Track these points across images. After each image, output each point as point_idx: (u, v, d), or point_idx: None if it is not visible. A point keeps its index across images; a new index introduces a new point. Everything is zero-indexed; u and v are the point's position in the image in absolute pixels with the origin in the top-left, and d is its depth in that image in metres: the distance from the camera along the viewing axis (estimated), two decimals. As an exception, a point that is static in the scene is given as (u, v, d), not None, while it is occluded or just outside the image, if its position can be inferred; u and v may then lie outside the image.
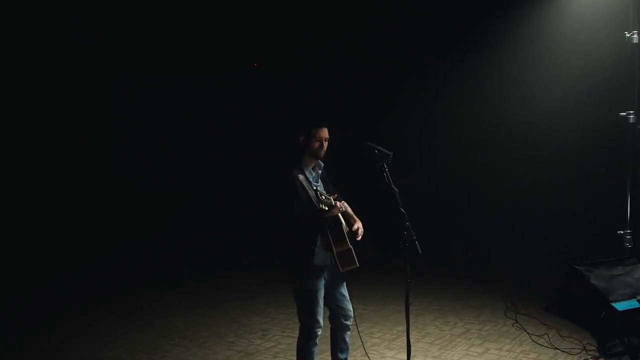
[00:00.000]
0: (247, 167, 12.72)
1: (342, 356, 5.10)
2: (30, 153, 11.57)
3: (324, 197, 4.60)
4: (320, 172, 4.98)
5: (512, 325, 7.04)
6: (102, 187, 12.31)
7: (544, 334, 6.59)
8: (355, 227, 4.97)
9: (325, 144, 4.85)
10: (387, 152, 4.95)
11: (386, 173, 4.89)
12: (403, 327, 6.98)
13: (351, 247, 4.81)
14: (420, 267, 5.00)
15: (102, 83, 12.06)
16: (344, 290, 5.03)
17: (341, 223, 4.89)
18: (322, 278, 4.82)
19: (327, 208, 4.58)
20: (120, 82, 12.13)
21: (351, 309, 5.05)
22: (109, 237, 11.86)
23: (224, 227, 12.53)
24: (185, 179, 12.98)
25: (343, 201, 5.05)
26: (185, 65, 12.51)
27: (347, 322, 5.04)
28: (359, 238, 4.95)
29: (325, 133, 4.85)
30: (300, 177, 4.67)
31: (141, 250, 11.79)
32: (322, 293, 4.82)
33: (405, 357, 5.03)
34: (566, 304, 6.64)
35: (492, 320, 7.31)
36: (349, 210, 5.08)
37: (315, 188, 4.67)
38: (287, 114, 11.69)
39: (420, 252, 4.74)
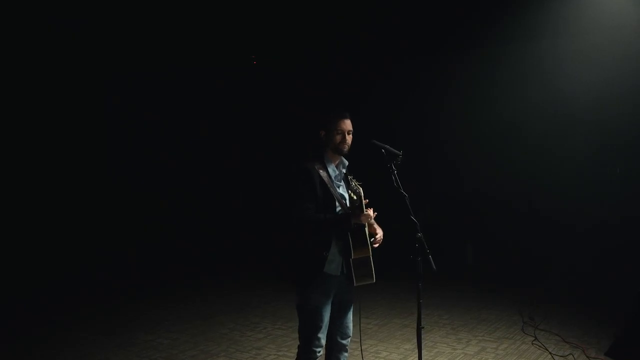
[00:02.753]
0: (246, 168, 12.19)
1: None
2: (27, 154, 10.88)
3: (354, 184, 3.93)
4: (343, 171, 4.23)
5: (532, 343, 6.12)
6: (96, 191, 11.56)
7: (568, 355, 5.69)
8: (376, 232, 4.19)
9: (349, 137, 4.14)
10: (396, 151, 4.15)
11: (394, 176, 4.09)
12: (411, 345, 6.17)
13: (370, 255, 4.03)
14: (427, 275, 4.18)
15: (100, 83, 11.38)
16: (350, 308, 4.26)
17: (365, 226, 4.05)
18: (331, 290, 4.05)
19: (355, 197, 3.90)
20: (120, 82, 11.43)
21: (351, 327, 4.26)
22: (102, 241, 11.11)
23: (218, 229, 11.74)
24: (181, 181, 12.24)
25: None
26: (185, 65, 11.77)
27: (344, 342, 4.25)
28: (376, 245, 4.16)
29: (347, 125, 4.15)
30: (322, 172, 4.00)
31: (132, 254, 11.03)
32: (328, 308, 4.07)
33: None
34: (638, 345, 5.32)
35: (509, 337, 6.39)
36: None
37: (355, 186, 3.98)
38: (303, 111, 10.94)
39: (434, 268, 3.94)
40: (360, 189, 3.99)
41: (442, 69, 10.45)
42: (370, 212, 3.99)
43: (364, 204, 3.96)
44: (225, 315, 7.59)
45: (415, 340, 6.16)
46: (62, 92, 11.08)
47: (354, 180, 4.05)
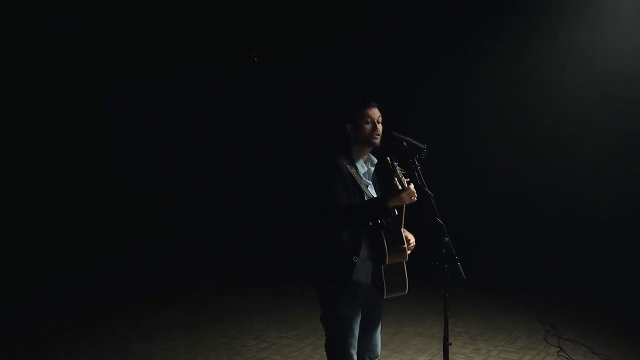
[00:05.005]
0: (246, 168, 11.44)
1: None
2: (27, 154, 10.20)
3: (399, 172, 3.16)
4: (372, 169, 3.49)
5: (557, 355, 5.28)
6: (96, 191, 10.82)
7: (598, 368, 4.91)
8: (409, 237, 3.40)
9: (380, 126, 3.40)
10: (420, 144, 3.36)
11: (418, 172, 3.28)
12: (426, 357, 5.29)
13: (405, 263, 3.31)
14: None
15: (100, 83, 10.62)
16: (379, 325, 3.53)
17: (401, 222, 3.30)
18: (360, 301, 3.31)
19: (400, 188, 3.14)
20: (120, 82, 10.67)
21: (379, 345, 3.55)
22: (102, 241, 10.30)
23: (218, 229, 10.94)
24: (181, 181, 11.45)
25: None
26: (185, 65, 10.97)
27: None
28: (409, 251, 3.37)
29: (375, 113, 3.40)
30: (350, 168, 3.30)
31: (132, 254, 10.15)
32: (358, 320, 3.33)
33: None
34: None
35: (532, 348, 5.54)
36: None
37: (400, 175, 3.20)
38: (303, 111, 10.20)
39: (464, 276, 3.19)
40: (405, 179, 3.19)
41: (449, 68, 9.66)
42: (412, 187, 3.19)
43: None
44: (226, 322, 6.67)
45: (431, 352, 5.45)
46: (62, 92, 10.34)
47: (398, 166, 3.24)
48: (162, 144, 11.27)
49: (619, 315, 6.54)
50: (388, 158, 3.29)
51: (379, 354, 3.53)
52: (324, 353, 3.46)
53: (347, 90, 9.74)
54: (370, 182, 3.45)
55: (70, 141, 10.55)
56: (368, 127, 3.35)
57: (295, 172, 8.28)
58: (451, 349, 5.29)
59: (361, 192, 3.28)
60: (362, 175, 3.37)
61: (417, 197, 3.25)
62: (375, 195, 3.40)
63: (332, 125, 3.62)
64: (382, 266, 3.23)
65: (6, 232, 9.42)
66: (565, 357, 5.18)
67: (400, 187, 3.16)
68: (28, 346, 5.88)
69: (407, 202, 3.20)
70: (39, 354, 5.67)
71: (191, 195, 11.42)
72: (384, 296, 3.28)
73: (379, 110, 3.43)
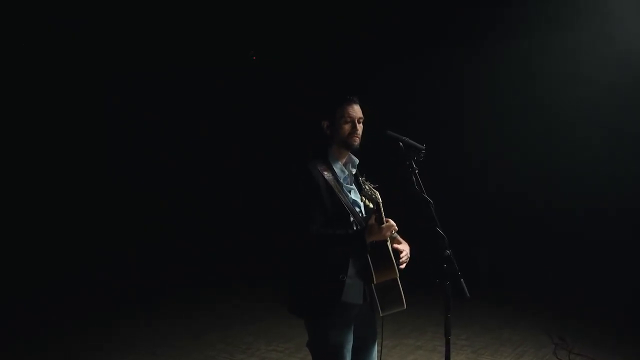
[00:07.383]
0: (246, 168, 11.07)
1: None
2: (27, 154, 9.92)
3: (367, 188, 2.78)
4: (353, 171, 3.04)
5: (568, 371, 4.79)
6: (96, 191, 10.52)
7: (613, 386, 4.41)
8: (401, 248, 3.00)
9: (360, 127, 2.96)
10: (418, 145, 2.91)
11: (416, 176, 2.85)
12: (427, 372, 4.94)
13: (398, 276, 2.87)
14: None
15: (100, 83, 10.32)
16: (374, 345, 3.08)
17: (386, 240, 2.87)
18: (351, 323, 2.90)
19: (371, 205, 2.78)
20: (120, 82, 10.36)
21: None
22: (102, 241, 10.02)
23: (218, 229, 10.63)
24: (181, 181, 11.13)
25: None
26: (185, 65, 10.64)
27: None
28: (403, 266, 2.98)
29: (356, 111, 2.97)
30: (326, 174, 2.86)
31: (133, 254, 9.86)
32: (350, 347, 2.91)
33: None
34: None
35: (540, 364, 5.02)
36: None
37: (369, 190, 2.80)
38: (303, 111, 9.83)
39: (467, 294, 2.82)
40: (377, 193, 2.76)
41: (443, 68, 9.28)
42: (392, 222, 2.75)
43: (383, 212, 2.74)
44: (217, 332, 6.17)
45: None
46: (62, 92, 10.02)
47: (367, 182, 2.86)
48: (162, 144, 10.92)
49: (625, 319, 6.10)
50: (359, 177, 2.92)
51: None
52: (315, 370, 3.00)
53: (335, 87, 9.35)
54: (353, 187, 2.98)
55: (70, 141, 10.24)
56: (347, 127, 2.93)
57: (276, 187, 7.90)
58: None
59: (341, 206, 2.82)
60: (342, 181, 2.91)
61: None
62: (359, 202, 2.97)
63: (308, 121, 3.25)
64: (372, 285, 2.81)
65: (6, 232, 9.15)
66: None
67: (372, 206, 2.76)
68: (28, 346, 5.64)
69: (387, 237, 2.79)
70: (39, 354, 5.43)
71: (191, 195, 11.08)
72: (380, 314, 2.84)
73: (362, 108, 2.97)
